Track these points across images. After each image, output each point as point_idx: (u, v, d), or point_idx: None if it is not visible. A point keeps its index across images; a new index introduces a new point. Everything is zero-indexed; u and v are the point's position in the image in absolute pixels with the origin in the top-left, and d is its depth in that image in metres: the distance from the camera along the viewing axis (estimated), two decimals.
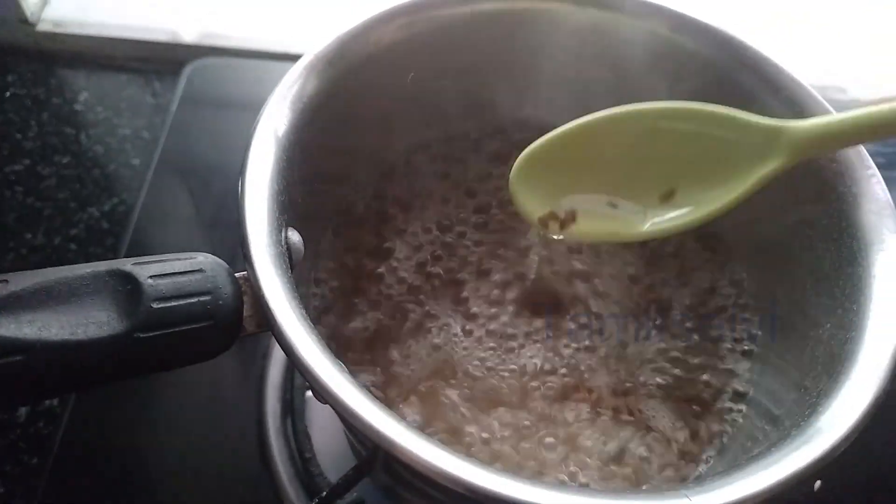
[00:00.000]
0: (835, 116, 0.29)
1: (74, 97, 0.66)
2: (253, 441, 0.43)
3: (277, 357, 0.45)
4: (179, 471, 0.43)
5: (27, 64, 0.68)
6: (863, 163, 0.29)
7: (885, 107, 0.27)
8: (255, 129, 0.28)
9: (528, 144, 0.32)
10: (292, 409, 0.42)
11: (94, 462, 0.43)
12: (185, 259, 0.25)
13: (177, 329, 0.23)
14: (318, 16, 0.69)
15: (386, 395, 0.33)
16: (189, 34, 0.68)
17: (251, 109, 0.64)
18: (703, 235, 0.38)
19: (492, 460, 0.32)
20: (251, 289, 0.24)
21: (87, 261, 0.54)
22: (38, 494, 0.42)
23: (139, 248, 0.52)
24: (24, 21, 0.67)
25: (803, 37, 0.69)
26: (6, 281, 0.22)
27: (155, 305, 0.23)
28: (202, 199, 0.56)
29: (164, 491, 0.42)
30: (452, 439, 0.32)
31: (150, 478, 0.43)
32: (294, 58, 0.65)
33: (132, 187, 0.59)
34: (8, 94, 0.65)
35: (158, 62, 0.68)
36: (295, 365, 0.23)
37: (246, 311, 0.25)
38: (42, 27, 0.67)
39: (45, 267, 0.23)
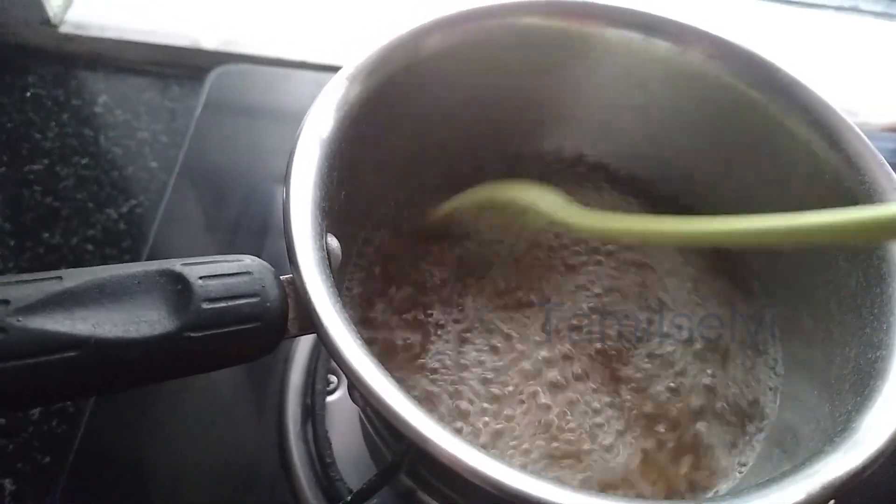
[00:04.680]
0: None
1: (94, 99, 0.66)
2: (273, 445, 0.43)
3: (299, 361, 0.45)
4: (199, 473, 0.43)
5: (48, 65, 0.68)
6: (891, 184, 0.30)
7: None
8: (299, 133, 0.28)
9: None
10: (313, 414, 0.42)
11: (113, 463, 0.43)
12: (233, 261, 0.25)
13: (226, 330, 0.23)
14: (338, 25, 0.70)
15: None
16: (209, 41, 0.69)
17: (274, 117, 0.65)
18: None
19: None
20: (295, 292, 0.25)
21: (104, 261, 0.54)
22: (55, 495, 0.42)
23: (162, 251, 0.52)
24: (46, 23, 0.67)
25: (814, 60, 0.70)
26: (60, 278, 0.23)
27: (205, 306, 0.23)
28: (225, 204, 0.56)
29: (184, 493, 0.42)
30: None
31: (170, 480, 0.43)
32: (315, 67, 0.67)
33: (150, 190, 0.60)
34: (28, 94, 0.66)
35: (178, 67, 0.69)
36: (341, 367, 0.23)
37: (290, 314, 0.25)
38: (64, 29, 0.68)
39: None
